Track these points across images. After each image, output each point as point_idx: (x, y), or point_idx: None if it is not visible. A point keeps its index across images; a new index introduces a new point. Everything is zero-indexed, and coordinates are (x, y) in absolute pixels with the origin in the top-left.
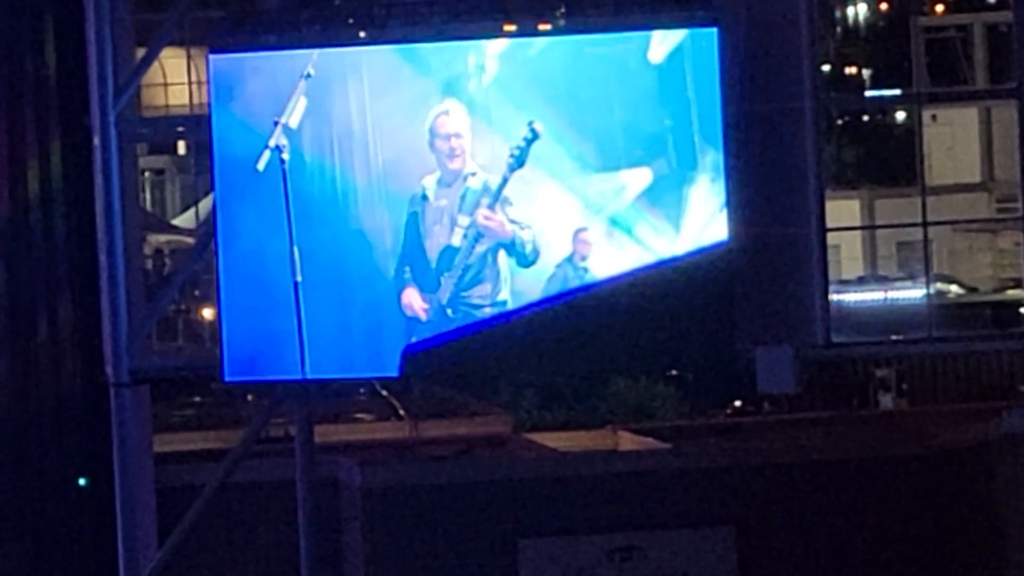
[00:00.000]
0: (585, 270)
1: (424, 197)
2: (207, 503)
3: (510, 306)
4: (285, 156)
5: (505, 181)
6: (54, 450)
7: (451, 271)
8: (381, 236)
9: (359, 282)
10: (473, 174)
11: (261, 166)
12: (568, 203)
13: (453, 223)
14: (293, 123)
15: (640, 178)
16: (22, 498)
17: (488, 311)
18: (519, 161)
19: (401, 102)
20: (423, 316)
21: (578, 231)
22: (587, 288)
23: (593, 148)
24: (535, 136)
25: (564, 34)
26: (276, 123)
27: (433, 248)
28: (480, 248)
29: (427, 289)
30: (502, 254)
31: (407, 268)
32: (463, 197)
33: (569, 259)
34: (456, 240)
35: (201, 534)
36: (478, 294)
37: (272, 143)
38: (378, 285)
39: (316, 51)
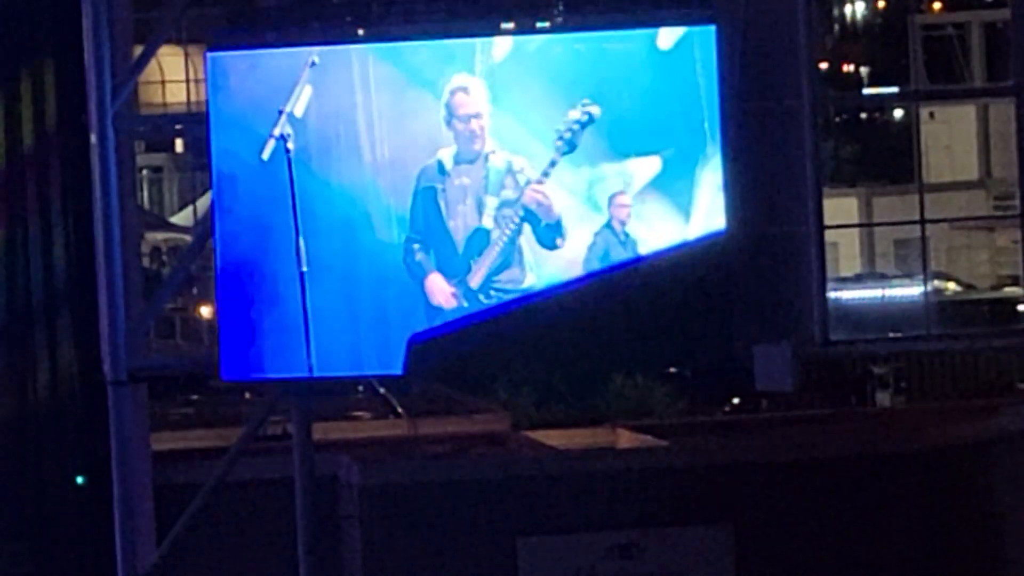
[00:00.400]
0: (626, 235)
1: (442, 171)
2: (205, 501)
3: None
4: (290, 145)
5: (553, 164)
6: (52, 448)
7: (482, 255)
8: (390, 226)
9: (368, 274)
10: (493, 152)
11: (266, 155)
12: (576, 191)
13: (481, 204)
14: (298, 111)
15: (649, 166)
16: (20, 496)
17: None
18: (570, 145)
19: (410, 86)
20: (451, 303)
21: (614, 195)
22: (626, 264)
23: (603, 135)
24: (590, 120)
25: (562, 32)
26: (280, 112)
27: (459, 230)
28: (510, 230)
29: (453, 275)
30: (524, 237)
31: (418, 247)
32: (486, 177)
33: (608, 224)
34: (488, 222)
35: (199, 532)
36: (507, 278)
37: (277, 132)
38: (388, 276)
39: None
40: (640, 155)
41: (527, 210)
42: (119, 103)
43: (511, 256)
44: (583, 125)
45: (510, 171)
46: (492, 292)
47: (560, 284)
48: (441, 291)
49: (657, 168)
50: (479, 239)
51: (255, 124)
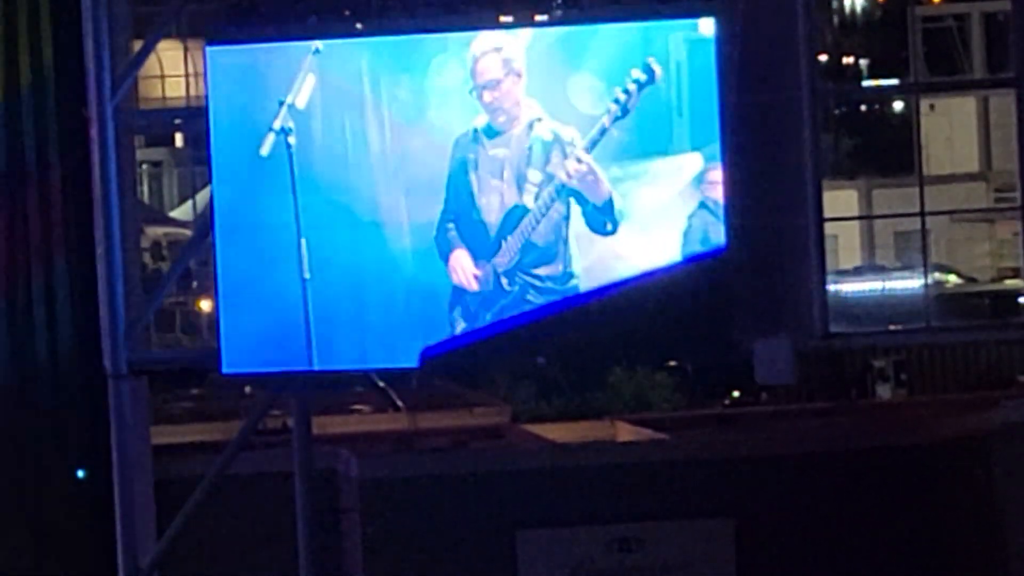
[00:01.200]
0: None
1: (477, 140)
2: (205, 495)
3: (582, 287)
4: (292, 140)
5: (604, 132)
6: (52, 442)
7: (514, 233)
8: (400, 225)
9: (375, 275)
10: (539, 120)
11: (265, 151)
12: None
13: (521, 179)
14: (300, 103)
15: (691, 165)
16: (20, 490)
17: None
18: (624, 109)
19: (426, 66)
20: (473, 285)
21: (703, 171)
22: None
23: (641, 128)
24: (651, 78)
25: (560, 25)
26: (281, 103)
27: (493, 209)
28: (556, 212)
29: (482, 255)
30: (574, 226)
31: (451, 225)
32: (530, 148)
33: (703, 204)
34: (528, 200)
35: (199, 525)
36: (547, 273)
37: (277, 125)
38: (398, 276)
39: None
40: (678, 153)
41: (565, 187)
42: (119, 98)
43: (555, 246)
44: (641, 86)
45: (558, 141)
46: (521, 280)
47: (602, 287)
48: (464, 269)
49: (699, 167)
50: (517, 217)
51: (256, 119)
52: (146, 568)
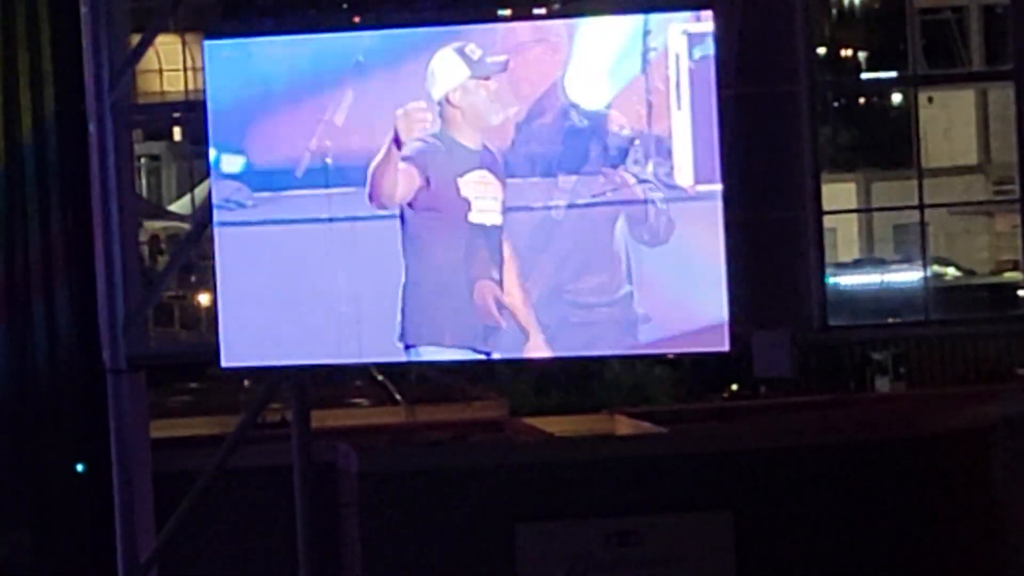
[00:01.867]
0: None
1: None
2: (204, 488)
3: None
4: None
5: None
6: (51, 436)
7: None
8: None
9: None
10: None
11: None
12: None
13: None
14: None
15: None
16: (20, 485)
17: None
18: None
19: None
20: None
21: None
22: None
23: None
24: None
25: (559, 18)
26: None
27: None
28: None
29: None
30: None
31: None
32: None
33: None
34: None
35: (198, 520)
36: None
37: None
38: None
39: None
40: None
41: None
42: (117, 92)
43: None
44: None
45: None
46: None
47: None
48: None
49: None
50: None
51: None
52: (145, 561)
